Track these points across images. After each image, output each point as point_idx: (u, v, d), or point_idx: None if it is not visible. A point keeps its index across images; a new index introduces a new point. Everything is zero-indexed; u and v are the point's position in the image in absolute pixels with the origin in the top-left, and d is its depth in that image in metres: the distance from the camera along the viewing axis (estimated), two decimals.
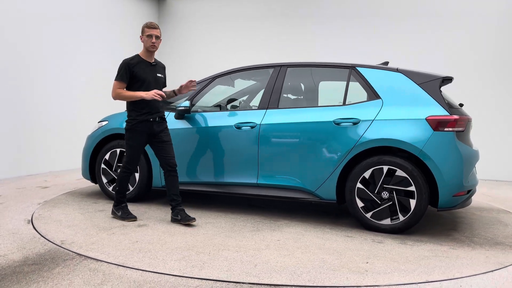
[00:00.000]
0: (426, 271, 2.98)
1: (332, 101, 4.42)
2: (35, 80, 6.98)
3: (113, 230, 3.83)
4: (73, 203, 4.87)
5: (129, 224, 4.04)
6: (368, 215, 3.96)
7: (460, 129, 3.86)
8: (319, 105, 4.58)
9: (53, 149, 7.40)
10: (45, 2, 7.12)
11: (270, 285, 2.69)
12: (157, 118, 4.13)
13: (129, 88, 4.07)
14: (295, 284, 2.71)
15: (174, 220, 4.13)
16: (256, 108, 4.55)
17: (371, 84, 4.16)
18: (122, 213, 4.19)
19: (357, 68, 4.27)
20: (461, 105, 4.47)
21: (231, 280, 2.74)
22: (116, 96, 4.05)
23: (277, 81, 4.50)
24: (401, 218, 3.86)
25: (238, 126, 4.42)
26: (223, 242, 3.55)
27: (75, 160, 7.57)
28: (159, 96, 3.96)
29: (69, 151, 7.64)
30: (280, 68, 4.55)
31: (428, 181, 3.84)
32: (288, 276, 2.83)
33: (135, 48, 9.19)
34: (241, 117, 4.49)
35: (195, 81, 4.22)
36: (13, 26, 6.57)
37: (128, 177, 4.25)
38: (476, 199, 5.69)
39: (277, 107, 4.41)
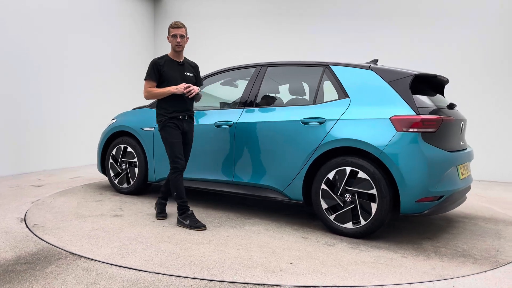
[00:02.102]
0: (343, 276, 2.86)
1: (309, 100, 4.35)
2: (29, 79, 7.02)
3: (88, 218, 4.16)
4: (82, 193, 5.33)
5: (107, 214, 4.35)
6: (332, 217, 3.84)
7: (429, 130, 3.59)
8: (293, 104, 4.51)
9: (47, 148, 7.38)
10: (43, 1, 7.24)
11: (173, 276, 2.78)
12: (186, 116, 4.11)
13: (158, 87, 4.07)
14: (196, 277, 2.77)
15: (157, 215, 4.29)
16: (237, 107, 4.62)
17: (342, 82, 4.03)
18: (190, 222, 3.94)
19: (330, 66, 4.15)
20: (451, 105, 4.13)
21: (139, 268, 2.88)
22: (148, 95, 4.05)
23: (256, 81, 4.54)
24: (363, 222, 3.69)
25: (218, 125, 4.53)
26: (173, 235, 3.69)
27: (70, 158, 7.85)
28: (189, 89, 3.95)
29: (63, 149, 7.70)
30: (261, 68, 4.58)
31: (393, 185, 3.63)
32: (197, 269, 2.90)
33: (131, 47, 9.43)
34: (222, 116, 4.59)
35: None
36: (11, 25, 6.71)
37: (179, 177, 4.02)
38: (474, 201, 5.37)
39: (254, 106, 4.45)
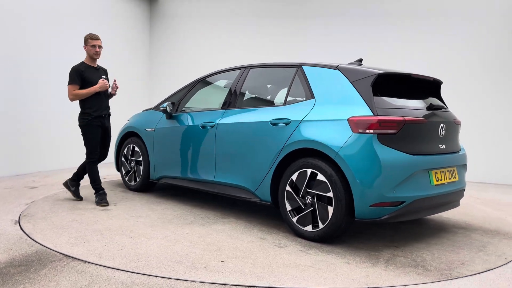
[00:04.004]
0: (261, 277, 2.85)
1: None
2: (23, 80, 6.89)
3: (77, 210, 4.50)
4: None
5: (99, 207, 4.67)
6: (294, 219, 3.80)
7: (388, 131, 3.42)
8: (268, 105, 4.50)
9: (42, 149, 7.23)
10: (39, 2, 7.15)
11: (101, 265, 2.97)
12: (106, 114, 4.87)
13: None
14: (117, 267, 2.92)
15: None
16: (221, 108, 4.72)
17: (310, 83, 3.96)
18: (97, 199, 4.83)
19: (302, 67, 4.10)
20: (430, 106, 3.86)
21: (74, 256, 3.11)
22: (74, 97, 4.70)
23: (239, 82, 4.60)
24: (321, 226, 3.61)
25: (203, 126, 4.67)
26: (137, 229, 3.88)
27: (65, 160, 7.64)
28: (105, 83, 4.73)
29: (58, 151, 7.54)
30: (244, 70, 4.64)
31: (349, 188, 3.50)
32: (126, 261, 3.05)
33: (128, 48, 9.29)
34: (207, 117, 4.71)
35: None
36: (6, 26, 6.64)
37: (94, 166, 4.86)
38: (469, 203, 5.31)
39: (235, 107, 4.52)
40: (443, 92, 4.58)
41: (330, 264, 3.14)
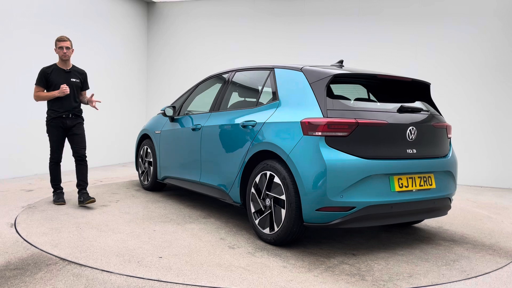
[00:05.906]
0: (182, 273, 2.92)
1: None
2: (19, 81, 6.75)
3: (76, 206, 4.88)
4: (116, 186, 6.17)
5: (100, 203, 5.01)
6: (256, 221, 3.81)
7: (338, 134, 3.31)
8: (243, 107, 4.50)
9: (38, 152, 6.90)
10: (34, 2, 7.02)
11: (48, 253, 3.24)
12: (70, 114, 4.85)
13: (47, 91, 4.81)
14: (59, 256, 3.17)
15: (80, 202, 4.81)
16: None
17: (277, 85, 3.95)
18: (54, 198, 4.98)
19: (274, 69, 4.09)
20: (402, 109, 3.64)
21: (36, 245, 3.41)
22: (37, 98, 4.83)
23: (224, 86, 4.70)
24: (275, 229, 3.58)
25: (193, 128, 4.83)
26: (113, 224, 4.13)
27: (62, 163, 7.25)
28: (65, 89, 4.69)
29: None
30: (231, 73, 4.73)
31: None
32: (72, 251, 3.28)
33: (125, 50, 9.25)
34: (198, 120, 4.87)
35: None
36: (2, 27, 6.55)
37: (54, 167, 4.94)
38: (466, 207, 4.64)
39: (219, 110, 4.62)
40: (440, 96, 4.29)
41: (263, 267, 3.12)
